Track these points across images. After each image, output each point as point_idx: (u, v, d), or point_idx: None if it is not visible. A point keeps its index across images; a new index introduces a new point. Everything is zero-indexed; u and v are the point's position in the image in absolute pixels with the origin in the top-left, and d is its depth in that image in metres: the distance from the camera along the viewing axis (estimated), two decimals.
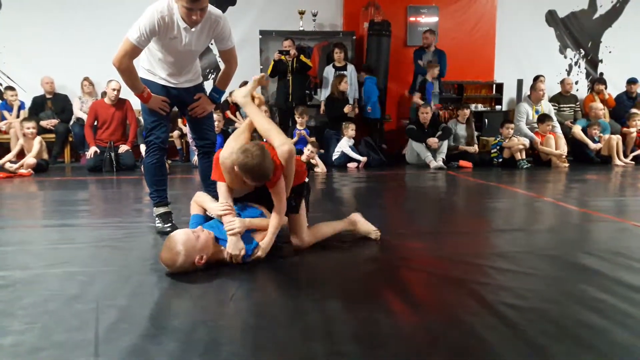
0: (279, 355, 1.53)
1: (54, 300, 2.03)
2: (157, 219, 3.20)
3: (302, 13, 7.96)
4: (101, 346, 1.60)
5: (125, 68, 2.86)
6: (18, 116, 7.40)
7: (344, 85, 7.26)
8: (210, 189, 2.93)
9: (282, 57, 7.24)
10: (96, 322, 1.78)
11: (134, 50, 2.84)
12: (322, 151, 6.96)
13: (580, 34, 9.07)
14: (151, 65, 3.06)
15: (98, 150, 6.63)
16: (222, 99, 3.15)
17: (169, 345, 1.60)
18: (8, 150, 6.75)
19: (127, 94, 7.05)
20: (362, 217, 3.02)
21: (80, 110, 7.55)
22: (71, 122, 7.60)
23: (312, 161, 6.53)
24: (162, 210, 3.21)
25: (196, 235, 2.30)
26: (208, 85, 3.95)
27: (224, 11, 8.49)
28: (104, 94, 7.10)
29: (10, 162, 6.26)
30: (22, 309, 1.93)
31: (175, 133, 7.63)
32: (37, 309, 1.93)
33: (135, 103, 7.35)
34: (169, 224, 3.14)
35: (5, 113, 7.47)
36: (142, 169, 3.15)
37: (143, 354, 1.54)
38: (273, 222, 2.51)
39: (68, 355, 1.55)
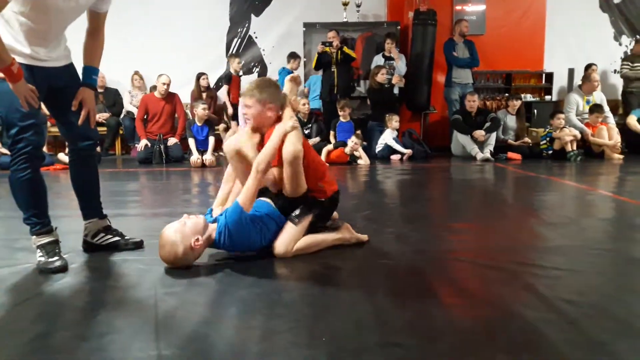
0: (334, 345, 1.54)
1: (114, 287, 2.12)
2: (38, 251, 2.31)
3: (345, 4, 7.94)
4: (161, 332, 1.65)
5: None
6: None
7: (381, 77, 7.18)
8: (92, 205, 2.60)
9: (326, 49, 7.23)
10: (155, 309, 1.84)
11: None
12: (365, 143, 6.93)
13: (637, 19, 8.67)
14: (9, 38, 2.12)
15: (149, 144, 6.81)
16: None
17: (227, 332, 1.64)
18: (63, 143, 7.01)
19: (175, 88, 7.25)
20: (351, 228, 2.73)
21: (130, 104, 7.78)
22: (122, 116, 7.84)
23: (356, 153, 6.51)
24: (45, 239, 2.32)
25: (183, 222, 2.30)
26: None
27: (267, 4, 8.65)
28: (154, 87, 7.28)
29: (66, 154, 6.50)
30: (86, 295, 2.02)
31: (222, 126, 7.75)
32: (98, 295, 2.02)
33: (185, 97, 7.55)
34: (56, 257, 2.29)
35: None
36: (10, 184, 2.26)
37: (202, 340, 1.58)
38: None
39: (130, 341, 1.60)
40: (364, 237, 2.72)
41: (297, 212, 2.53)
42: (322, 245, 2.57)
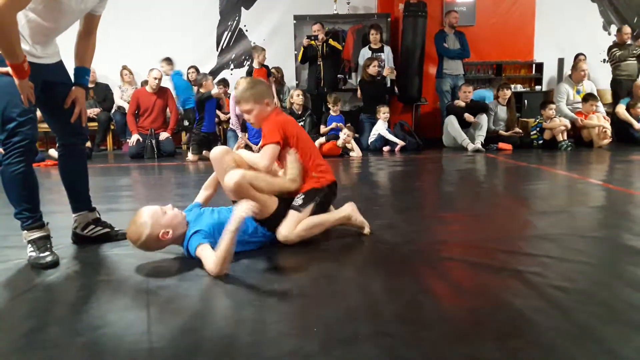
0: (325, 335, 1.55)
1: (106, 281, 2.12)
2: (29, 246, 2.31)
3: None
4: (153, 325, 1.65)
5: (9, 22, 1.96)
6: None
7: (373, 69, 7.17)
8: (82, 198, 2.69)
9: (312, 42, 7.22)
10: (147, 302, 1.85)
11: None
12: (357, 135, 6.94)
13: (626, 9, 8.71)
14: None
15: (140, 138, 6.79)
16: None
17: (219, 324, 1.65)
18: (53, 139, 6.98)
19: (167, 82, 7.20)
20: (356, 208, 2.76)
21: (121, 99, 7.73)
22: (112, 111, 7.80)
23: (348, 145, 6.52)
24: (36, 234, 2.32)
25: (163, 211, 2.27)
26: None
27: None
28: (145, 82, 7.25)
29: (56, 149, 6.47)
30: (78, 290, 2.02)
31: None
32: (91, 289, 2.02)
33: None
34: (48, 252, 2.29)
35: None
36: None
37: (193, 332, 1.59)
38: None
39: (122, 334, 1.61)
40: (367, 225, 2.72)
41: (299, 201, 2.56)
42: (326, 225, 2.60)
